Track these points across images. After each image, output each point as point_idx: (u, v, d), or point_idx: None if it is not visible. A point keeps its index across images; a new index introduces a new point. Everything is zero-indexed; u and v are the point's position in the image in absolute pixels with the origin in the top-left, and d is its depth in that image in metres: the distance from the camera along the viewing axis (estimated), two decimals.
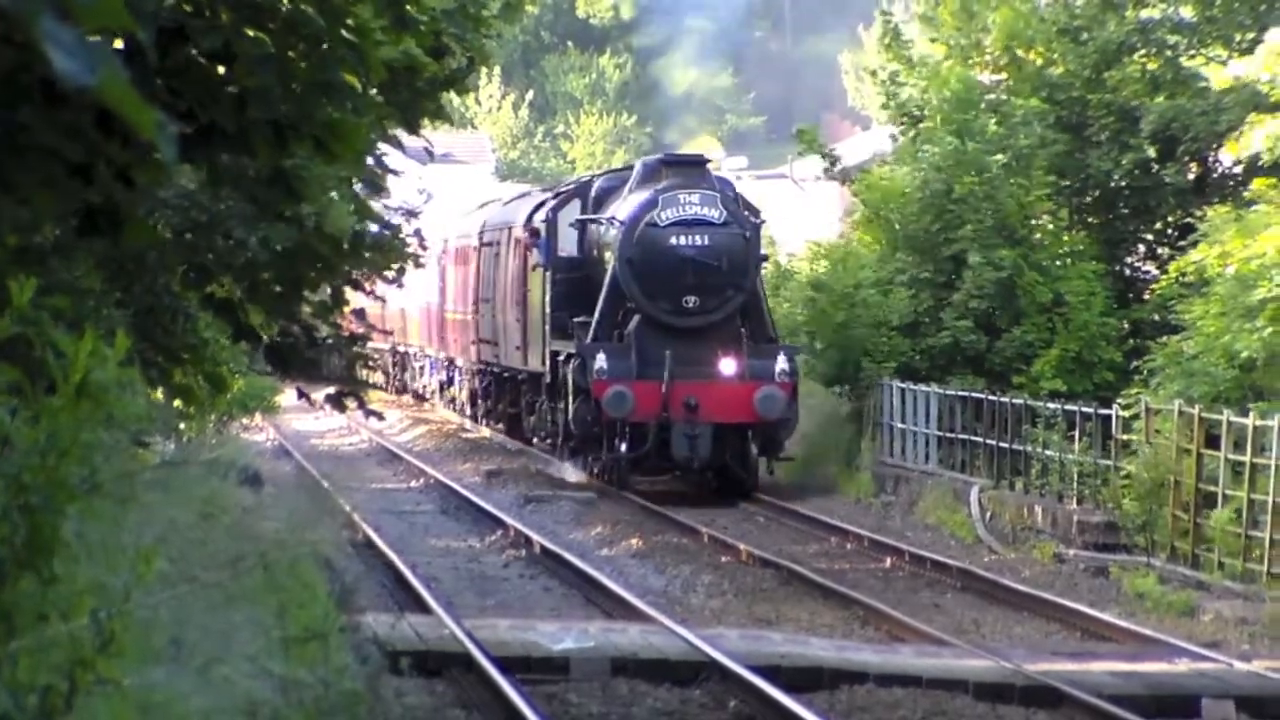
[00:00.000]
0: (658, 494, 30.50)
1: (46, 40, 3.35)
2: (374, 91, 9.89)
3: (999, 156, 32.26)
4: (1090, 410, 26.65)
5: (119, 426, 6.01)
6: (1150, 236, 34.14)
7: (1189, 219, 30.28)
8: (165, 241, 12.42)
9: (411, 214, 16.55)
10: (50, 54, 3.35)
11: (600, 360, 30.20)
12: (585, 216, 33.13)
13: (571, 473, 32.64)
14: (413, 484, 33.49)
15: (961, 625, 19.57)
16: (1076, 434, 26.56)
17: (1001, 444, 28.42)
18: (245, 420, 28.99)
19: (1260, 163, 26.90)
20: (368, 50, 8.34)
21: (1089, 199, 33.85)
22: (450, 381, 46.64)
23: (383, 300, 17.48)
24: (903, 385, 31.62)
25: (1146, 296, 32.57)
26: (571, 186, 35.55)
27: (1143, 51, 32.94)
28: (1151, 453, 24.10)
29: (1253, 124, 25.75)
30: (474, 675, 15.08)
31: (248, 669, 7.73)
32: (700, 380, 30.20)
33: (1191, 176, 32.97)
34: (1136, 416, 25.19)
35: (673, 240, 30.61)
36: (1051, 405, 27.74)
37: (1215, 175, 33.08)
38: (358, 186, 13.47)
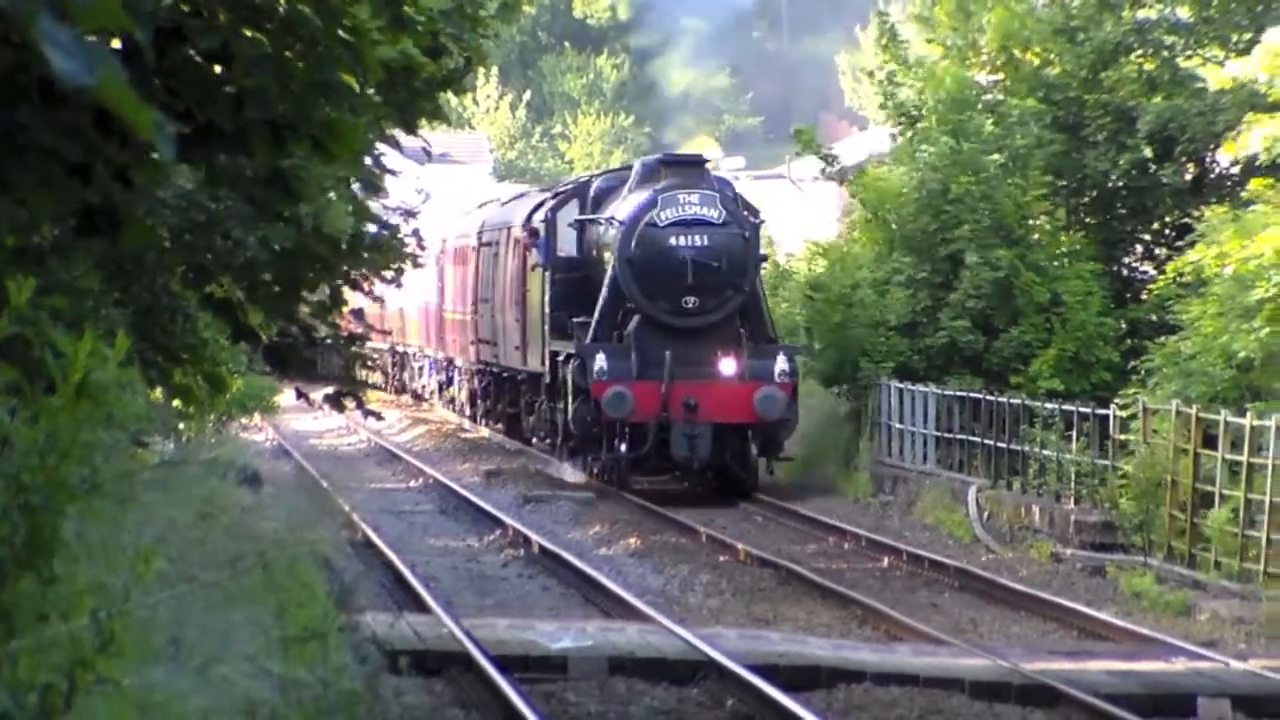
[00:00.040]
0: (656, 494, 30.53)
1: (44, 40, 3.35)
2: (372, 92, 9.91)
3: (995, 156, 32.28)
4: (1088, 410, 26.67)
5: (118, 426, 6.00)
6: (1148, 237, 34.16)
7: (1186, 219, 30.29)
8: (164, 242, 12.43)
9: (409, 214, 16.56)
10: (48, 54, 3.35)
11: (600, 360, 30.22)
12: (584, 216, 33.14)
13: (570, 473, 32.66)
14: (412, 484, 33.51)
15: (959, 624, 19.60)
16: (1074, 434, 26.60)
17: (999, 444, 28.45)
18: (244, 420, 29.00)
19: (1258, 163, 26.93)
20: (365, 50, 8.35)
21: (1086, 199, 33.87)
22: (449, 382, 46.66)
23: (381, 301, 17.50)
24: (901, 385, 31.65)
25: (1144, 296, 32.60)
26: (570, 186, 35.56)
27: (1140, 52, 32.96)
28: (1148, 452, 24.13)
29: (1250, 124, 25.78)
30: (473, 674, 15.11)
31: (247, 668, 7.75)
32: (700, 380, 30.22)
33: (1189, 177, 32.99)
34: (1134, 416, 25.22)
35: (672, 240, 30.63)
36: (1049, 405, 27.77)
37: (1213, 175, 33.09)
38: (355, 187, 13.49)
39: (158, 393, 13.79)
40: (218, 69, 8.20)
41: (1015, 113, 32.54)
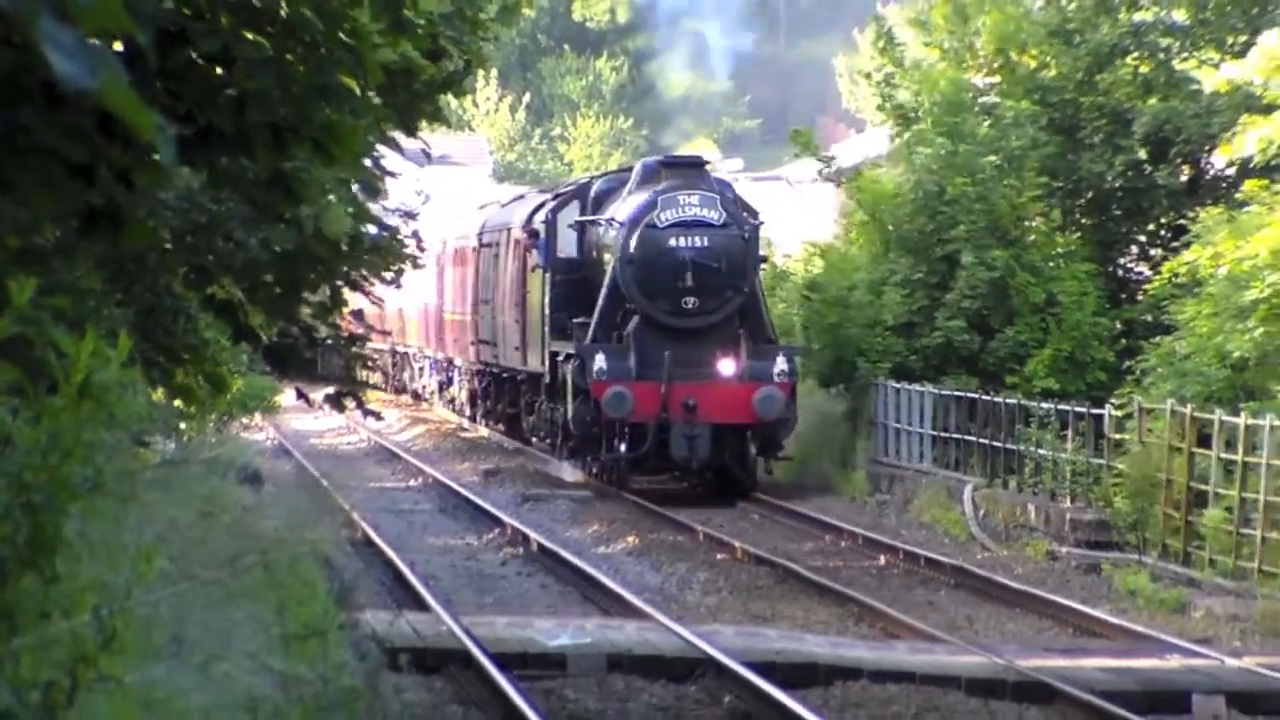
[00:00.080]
0: (654, 493, 30.59)
1: (46, 42, 3.35)
2: (372, 94, 9.97)
3: (991, 158, 32.34)
4: (1083, 410, 26.75)
5: (120, 426, 6.01)
6: (1143, 238, 34.21)
7: (1181, 220, 30.35)
8: (166, 243, 12.49)
9: (409, 216, 16.64)
10: (50, 56, 3.35)
11: (599, 361, 30.27)
12: (585, 218, 33.19)
13: (570, 473, 32.72)
14: (411, 483, 33.57)
15: (955, 622, 19.67)
16: (1069, 433, 26.67)
17: (995, 443, 28.52)
18: (245, 420, 29.08)
19: (1252, 164, 26.97)
20: (365, 53, 8.41)
21: (1082, 200, 33.93)
22: (449, 382, 46.71)
23: (380, 302, 17.55)
24: (897, 385, 31.72)
25: (1139, 297, 32.66)
26: (571, 188, 35.60)
27: (1135, 54, 33.02)
28: (1143, 452, 24.22)
29: (1245, 126, 25.83)
30: (472, 672, 15.17)
31: (248, 665, 7.79)
32: (699, 381, 30.28)
33: (1184, 178, 33.05)
34: (1129, 416, 25.31)
35: (672, 241, 30.68)
36: (1044, 405, 27.84)
37: (1208, 177, 33.15)
38: (355, 188, 13.55)
39: (159, 393, 13.87)
40: (219, 71, 8.25)
41: (1010, 115, 32.60)
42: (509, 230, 36.94)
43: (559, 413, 32.54)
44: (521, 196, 42.08)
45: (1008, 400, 28.79)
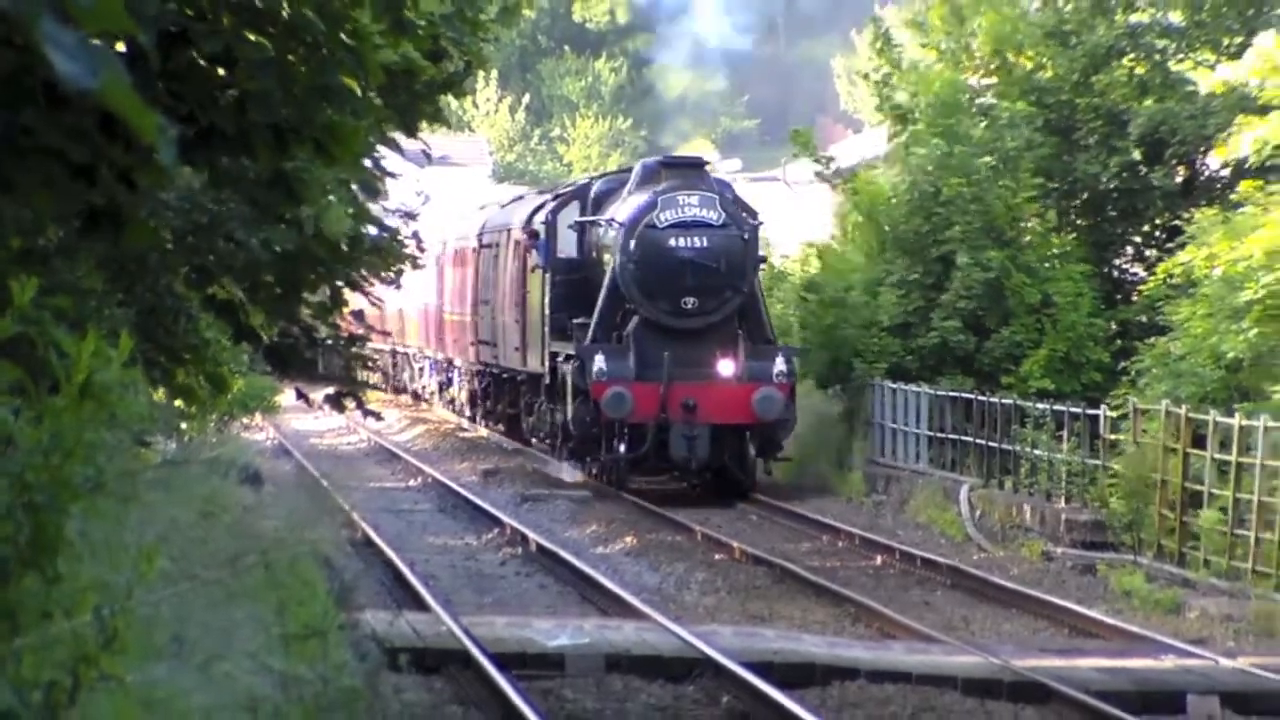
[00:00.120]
0: (653, 493, 30.63)
1: (48, 43, 3.36)
2: (373, 95, 10.01)
3: (986, 159, 32.39)
4: (1078, 410, 26.81)
5: (121, 426, 6.02)
6: (1138, 238, 34.26)
7: (1176, 221, 30.42)
8: (167, 243, 12.52)
9: (409, 216, 16.67)
10: (52, 57, 3.36)
11: (599, 361, 30.31)
12: (584, 218, 33.23)
13: (569, 473, 32.75)
14: (411, 483, 33.60)
15: (951, 622, 19.72)
16: (1065, 434, 26.72)
17: (991, 444, 28.58)
18: (245, 420, 29.11)
19: (1247, 166, 27.03)
20: (366, 54, 8.45)
21: (1077, 201, 33.98)
22: (449, 382, 46.74)
23: (380, 302, 17.59)
24: (893, 385, 31.77)
25: (1134, 298, 32.71)
26: (571, 188, 35.63)
27: (1131, 55, 33.07)
28: (1138, 452, 24.27)
29: (1240, 127, 25.88)
30: (471, 672, 15.21)
31: (248, 665, 7.82)
32: (699, 381, 30.31)
33: (1179, 179, 33.10)
34: (1125, 417, 25.36)
35: (672, 242, 30.71)
36: (1040, 405, 27.90)
37: (1203, 178, 33.21)
38: (355, 188, 13.58)
39: (160, 393, 13.90)
40: (221, 72, 8.29)
41: (1006, 115, 32.65)
42: (509, 231, 36.97)
43: (558, 413, 32.57)
44: (521, 197, 42.11)
45: (1003, 401, 28.84)
